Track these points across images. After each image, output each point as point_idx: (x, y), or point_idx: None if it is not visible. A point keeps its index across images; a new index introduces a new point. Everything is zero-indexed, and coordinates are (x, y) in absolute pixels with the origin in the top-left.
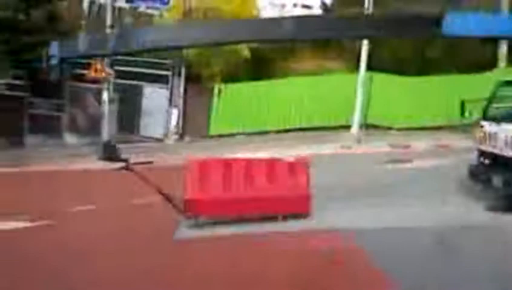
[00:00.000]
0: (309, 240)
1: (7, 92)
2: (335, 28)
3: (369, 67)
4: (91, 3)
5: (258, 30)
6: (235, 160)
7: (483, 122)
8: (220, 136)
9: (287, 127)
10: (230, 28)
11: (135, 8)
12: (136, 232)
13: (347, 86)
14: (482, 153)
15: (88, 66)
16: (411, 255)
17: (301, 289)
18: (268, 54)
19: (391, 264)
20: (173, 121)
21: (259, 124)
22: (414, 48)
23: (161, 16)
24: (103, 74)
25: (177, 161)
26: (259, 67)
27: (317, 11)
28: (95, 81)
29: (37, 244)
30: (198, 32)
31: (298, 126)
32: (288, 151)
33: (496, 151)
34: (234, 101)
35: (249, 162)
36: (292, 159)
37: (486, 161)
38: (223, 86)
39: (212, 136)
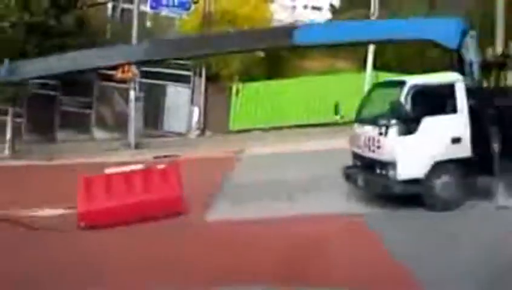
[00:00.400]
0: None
1: (39, 91)
2: (191, 46)
3: (375, 67)
4: (114, 7)
5: (102, 57)
6: (115, 173)
7: (355, 124)
8: (239, 131)
9: (300, 122)
10: (82, 57)
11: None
12: None
13: (355, 84)
14: (354, 155)
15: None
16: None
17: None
18: (282, 53)
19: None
20: (195, 118)
21: (275, 120)
22: (416, 48)
23: (180, 19)
24: (130, 74)
25: (199, 154)
26: (274, 66)
27: (326, 13)
28: (122, 80)
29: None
30: (63, 62)
31: (310, 122)
32: (301, 146)
33: (359, 152)
34: (251, 99)
35: (127, 173)
36: (163, 166)
37: (357, 162)
38: (240, 84)
39: (231, 132)
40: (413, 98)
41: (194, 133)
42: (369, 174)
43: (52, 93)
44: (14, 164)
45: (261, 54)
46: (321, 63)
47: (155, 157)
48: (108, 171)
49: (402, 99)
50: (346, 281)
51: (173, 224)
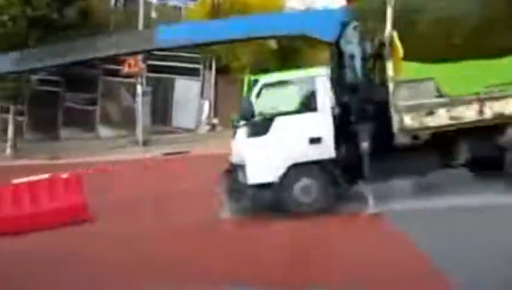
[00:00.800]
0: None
1: (42, 87)
2: (55, 55)
3: None
4: None
5: None
6: (21, 183)
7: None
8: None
9: None
10: None
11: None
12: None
13: None
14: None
15: (122, 62)
16: None
17: None
18: (294, 44)
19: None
20: (205, 112)
21: None
22: (439, 34)
23: (187, 9)
24: (137, 69)
25: (209, 150)
26: (286, 57)
27: (341, 0)
28: (128, 75)
29: None
30: None
31: None
32: None
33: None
34: None
35: (32, 182)
36: (66, 176)
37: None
38: (252, 77)
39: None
40: (266, 97)
41: (204, 128)
42: (230, 179)
43: (55, 89)
44: (16, 164)
45: (274, 45)
46: None
47: (165, 154)
48: (16, 181)
49: (252, 98)
50: (373, 281)
51: (187, 222)
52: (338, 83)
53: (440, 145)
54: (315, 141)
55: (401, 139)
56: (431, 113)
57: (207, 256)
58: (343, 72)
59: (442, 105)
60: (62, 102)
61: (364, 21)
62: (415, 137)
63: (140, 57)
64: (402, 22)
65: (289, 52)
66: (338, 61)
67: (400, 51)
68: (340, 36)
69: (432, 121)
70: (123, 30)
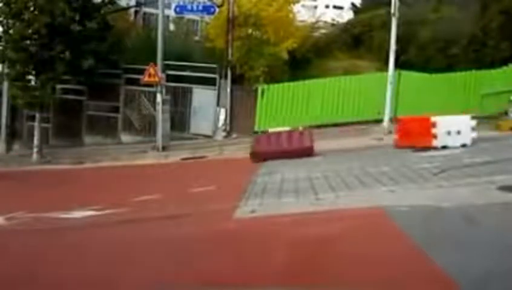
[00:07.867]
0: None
1: (66, 96)
2: None
3: (398, 65)
4: (136, 12)
5: None
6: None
7: None
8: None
9: (325, 122)
10: None
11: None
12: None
13: (378, 83)
14: None
15: (142, 71)
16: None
17: None
18: (305, 55)
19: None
20: (221, 120)
21: (300, 120)
22: (439, 45)
23: (204, 22)
24: (156, 78)
25: (226, 155)
26: (298, 67)
27: (347, 12)
28: (148, 84)
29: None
30: None
31: (334, 121)
32: (329, 144)
33: None
34: (276, 100)
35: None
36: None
37: None
38: (265, 86)
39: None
40: None
41: (221, 134)
42: None
43: (78, 98)
44: (42, 168)
45: (286, 55)
46: (343, 63)
47: (183, 159)
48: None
49: None
50: (372, 281)
51: (201, 222)
52: None
53: None
54: None
55: None
56: None
57: None
58: None
59: None
60: (86, 110)
61: (369, 32)
62: None
63: (159, 67)
64: (405, 33)
65: (299, 63)
66: None
67: None
68: None
69: None
70: (143, 43)
